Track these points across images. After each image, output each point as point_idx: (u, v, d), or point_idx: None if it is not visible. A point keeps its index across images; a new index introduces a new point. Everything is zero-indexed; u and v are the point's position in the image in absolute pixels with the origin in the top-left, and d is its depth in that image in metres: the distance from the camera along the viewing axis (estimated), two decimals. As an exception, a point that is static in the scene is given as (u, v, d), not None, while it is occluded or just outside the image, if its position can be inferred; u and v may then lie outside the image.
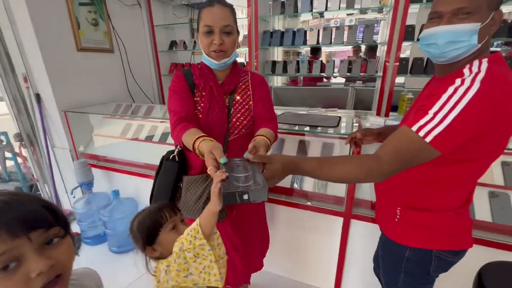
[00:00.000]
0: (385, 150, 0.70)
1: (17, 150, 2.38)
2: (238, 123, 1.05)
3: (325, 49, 6.35)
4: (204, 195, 1.04)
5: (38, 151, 2.24)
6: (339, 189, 1.44)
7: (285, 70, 2.46)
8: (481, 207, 1.23)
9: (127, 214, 1.99)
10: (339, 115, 1.59)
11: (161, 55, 2.87)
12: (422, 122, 0.67)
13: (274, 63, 2.49)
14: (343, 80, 4.02)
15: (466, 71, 0.69)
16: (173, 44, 2.88)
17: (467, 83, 0.65)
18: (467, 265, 0.87)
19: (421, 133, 0.65)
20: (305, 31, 2.32)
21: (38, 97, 2.03)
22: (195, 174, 1.07)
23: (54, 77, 1.96)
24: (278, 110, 1.91)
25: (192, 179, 1.06)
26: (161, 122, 2.18)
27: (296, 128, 1.44)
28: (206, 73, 1.02)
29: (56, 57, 1.96)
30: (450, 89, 0.66)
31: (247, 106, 1.07)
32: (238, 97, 1.07)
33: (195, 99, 1.04)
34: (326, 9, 2.18)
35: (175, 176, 1.07)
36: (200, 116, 1.02)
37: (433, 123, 0.65)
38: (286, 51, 6.22)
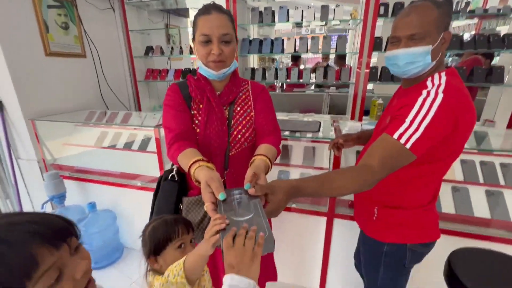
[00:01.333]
0: (374, 159, 0.75)
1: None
2: (239, 136, 0.98)
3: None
4: (206, 218, 0.97)
5: (3, 164, 2.05)
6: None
7: (264, 77, 2.53)
8: (446, 201, 1.38)
9: (104, 227, 1.90)
10: (319, 121, 1.68)
11: (136, 60, 2.78)
12: (401, 130, 0.75)
13: (253, 70, 2.55)
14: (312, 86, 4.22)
15: (429, 83, 0.80)
16: (149, 49, 2.82)
17: (432, 94, 0.75)
18: (437, 255, 0.97)
19: (402, 140, 0.74)
20: (283, 40, 2.41)
21: (0, 105, 1.87)
22: (196, 195, 1.00)
23: (20, 84, 1.83)
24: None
25: (193, 200, 0.99)
26: (137, 129, 2.13)
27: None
28: (203, 84, 0.96)
29: (22, 62, 1.83)
30: (420, 100, 0.76)
31: (248, 118, 0.99)
32: (238, 108, 1.00)
33: (192, 112, 0.97)
34: (301, 20, 2.30)
35: (175, 197, 1.00)
36: (198, 130, 0.95)
37: (410, 130, 0.74)
38: (262, 58, 6.39)
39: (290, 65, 4.54)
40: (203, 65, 0.92)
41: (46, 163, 2.03)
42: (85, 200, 1.99)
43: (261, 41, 2.42)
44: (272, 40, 2.41)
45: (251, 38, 2.46)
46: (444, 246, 1.00)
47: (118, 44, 2.68)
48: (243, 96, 1.02)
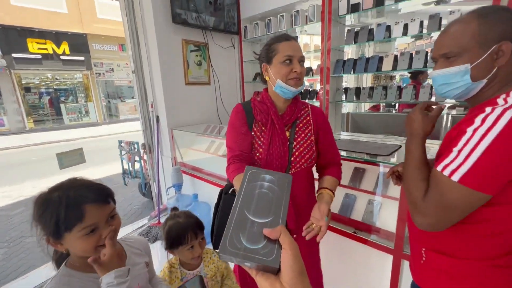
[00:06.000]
0: (424, 197, 0.69)
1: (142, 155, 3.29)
2: (300, 158, 1.04)
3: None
4: None
5: (154, 157, 3.04)
6: (389, 224, 1.32)
7: (384, 96, 2.29)
8: None
9: (202, 216, 2.39)
10: (400, 145, 1.48)
11: (246, 85, 3.37)
12: (447, 161, 0.65)
13: (358, 89, 2.44)
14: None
15: (500, 101, 0.65)
16: (256, 75, 3.34)
17: (497, 111, 0.60)
18: None
19: (446, 172, 0.63)
20: (380, 57, 2.26)
21: (157, 118, 2.80)
22: None
23: (168, 104, 2.68)
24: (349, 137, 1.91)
25: None
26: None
27: (344, 154, 1.44)
28: (267, 107, 1.04)
29: (171, 89, 2.69)
30: (477, 121, 0.63)
31: (309, 141, 1.06)
32: (300, 131, 1.07)
33: (252, 133, 1.06)
34: (422, 31, 2.08)
35: None
36: (261, 150, 1.03)
37: (457, 162, 0.62)
38: (377, 76, 5.85)
39: (409, 82, 3.97)
40: (282, 83, 0.99)
41: (176, 160, 2.82)
42: (193, 191, 2.60)
43: (355, 61, 2.37)
44: (368, 59, 2.30)
45: (345, 59, 2.45)
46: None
47: (234, 73, 3.35)
48: (304, 121, 1.09)
